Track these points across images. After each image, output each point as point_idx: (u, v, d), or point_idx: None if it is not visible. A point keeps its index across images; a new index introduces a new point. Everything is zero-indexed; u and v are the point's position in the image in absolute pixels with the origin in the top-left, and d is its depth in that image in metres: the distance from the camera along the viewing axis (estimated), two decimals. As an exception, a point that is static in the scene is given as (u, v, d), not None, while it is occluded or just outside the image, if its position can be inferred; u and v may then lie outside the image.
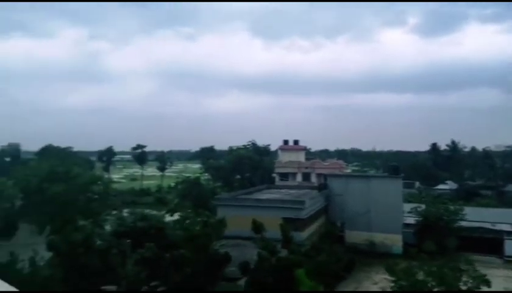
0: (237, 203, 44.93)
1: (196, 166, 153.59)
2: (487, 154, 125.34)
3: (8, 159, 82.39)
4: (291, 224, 36.33)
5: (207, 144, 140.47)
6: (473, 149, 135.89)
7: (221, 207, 44.31)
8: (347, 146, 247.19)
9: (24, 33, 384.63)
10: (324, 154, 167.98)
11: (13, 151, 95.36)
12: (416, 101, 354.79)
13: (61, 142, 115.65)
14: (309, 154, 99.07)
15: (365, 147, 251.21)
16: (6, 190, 45.64)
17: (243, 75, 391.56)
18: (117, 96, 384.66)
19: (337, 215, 51.55)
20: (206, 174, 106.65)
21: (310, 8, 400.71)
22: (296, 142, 76.74)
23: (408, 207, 51.94)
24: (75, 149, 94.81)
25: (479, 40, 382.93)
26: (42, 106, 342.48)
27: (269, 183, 70.00)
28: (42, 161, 54.37)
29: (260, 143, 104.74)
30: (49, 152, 79.19)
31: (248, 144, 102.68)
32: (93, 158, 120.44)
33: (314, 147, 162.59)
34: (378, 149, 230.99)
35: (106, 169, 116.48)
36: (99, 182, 43.94)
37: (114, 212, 43.52)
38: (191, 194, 61.25)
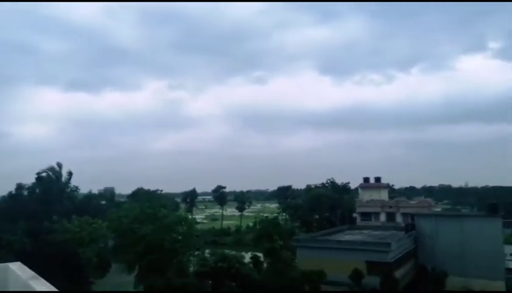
0: (317, 245, 43.67)
1: (274, 205, 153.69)
2: None
3: (103, 202, 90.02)
4: (375, 268, 34.20)
5: (284, 184, 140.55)
6: None
7: (300, 249, 43.36)
8: (435, 183, 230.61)
9: (115, 88, 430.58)
10: (410, 192, 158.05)
11: (108, 194, 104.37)
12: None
13: (150, 185, 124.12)
14: (393, 192, 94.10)
15: (455, 183, 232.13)
16: (101, 230, 49.68)
17: (315, 113, 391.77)
18: (198, 140, 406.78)
19: (427, 258, 47.46)
20: (284, 213, 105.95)
21: (379, 41, 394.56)
22: (378, 179, 73.47)
23: (510, 249, 46.24)
24: (162, 192, 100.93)
25: None
26: (133, 152, 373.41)
27: (350, 223, 67.25)
28: (133, 203, 58.48)
29: (339, 181, 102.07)
30: (139, 194, 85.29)
31: (327, 183, 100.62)
32: (178, 199, 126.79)
33: (398, 184, 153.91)
34: (471, 184, 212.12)
35: (190, 210, 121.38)
36: (183, 223, 45.72)
37: (196, 253, 44.78)
38: (269, 234, 61.01)
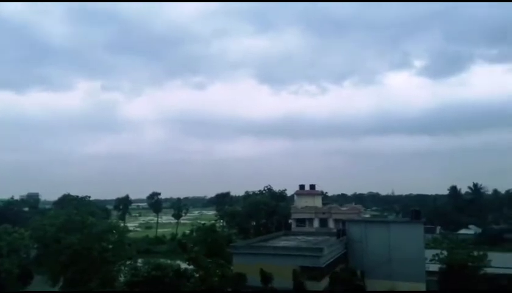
0: (253, 251, 43.80)
1: (211, 212, 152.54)
2: (511, 197, 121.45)
3: (26, 209, 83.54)
4: (308, 273, 35.06)
5: (223, 191, 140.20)
6: (496, 191, 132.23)
7: (237, 255, 43.27)
8: (364, 190, 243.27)
9: (43, 87, 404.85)
10: (341, 199, 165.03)
11: (32, 200, 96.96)
12: (432, 143, 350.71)
13: (79, 191, 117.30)
14: (326, 199, 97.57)
15: (383, 191, 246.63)
16: (22, 240, 45.91)
17: (254, 120, 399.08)
18: (133, 144, 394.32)
19: (357, 262, 49.57)
20: (222, 220, 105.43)
21: (314, 54, 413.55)
22: (312, 187, 75.67)
23: (429, 253, 49.78)
24: (92, 198, 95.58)
25: (488, 80, 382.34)
26: (61, 156, 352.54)
27: (286, 229, 68.53)
28: (59, 210, 54.81)
29: (276, 188, 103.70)
30: (66, 201, 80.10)
31: (264, 190, 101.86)
32: (110, 206, 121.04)
33: (331, 191, 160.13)
34: (396, 193, 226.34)
35: (122, 217, 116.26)
36: (114, 231, 43.70)
37: (128, 262, 42.92)
38: (206, 241, 60.28)
